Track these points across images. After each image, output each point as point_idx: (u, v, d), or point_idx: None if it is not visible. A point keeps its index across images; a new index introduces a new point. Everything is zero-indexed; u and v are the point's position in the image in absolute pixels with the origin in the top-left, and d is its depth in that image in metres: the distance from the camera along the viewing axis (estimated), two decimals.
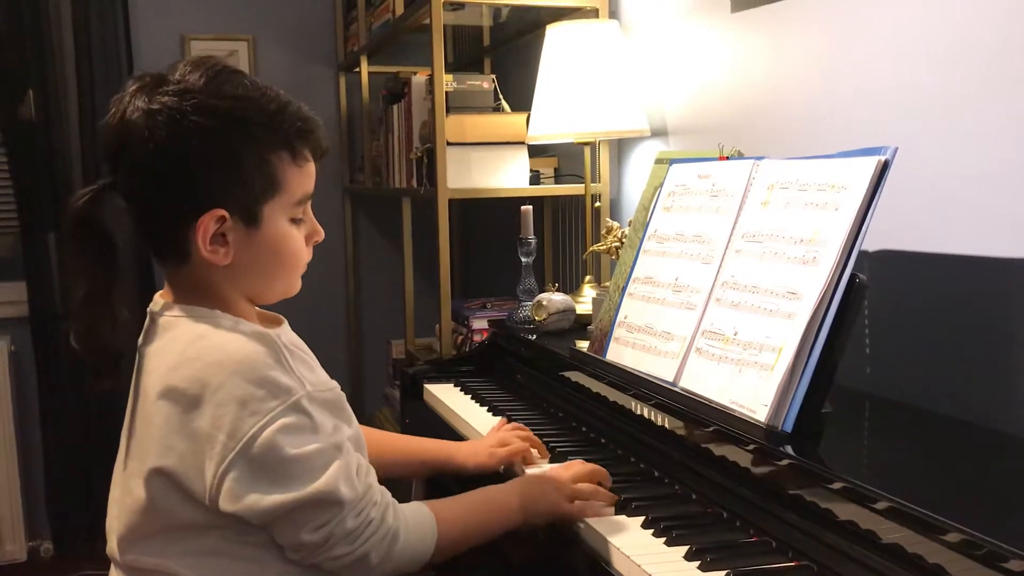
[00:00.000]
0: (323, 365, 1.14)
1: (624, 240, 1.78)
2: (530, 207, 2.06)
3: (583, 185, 2.19)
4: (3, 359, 3.06)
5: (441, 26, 2.18)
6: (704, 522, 1.13)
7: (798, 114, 1.64)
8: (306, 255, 1.12)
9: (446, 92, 2.24)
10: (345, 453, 1.04)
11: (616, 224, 1.90)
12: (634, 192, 2.25)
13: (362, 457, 1.10)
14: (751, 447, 1.12)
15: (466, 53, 3.28)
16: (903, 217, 1.39)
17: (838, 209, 1.15)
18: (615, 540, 1.08)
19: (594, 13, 2.24)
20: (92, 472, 3.15)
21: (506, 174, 2.33)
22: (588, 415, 1.55)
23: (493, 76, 2.45)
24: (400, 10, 2.62)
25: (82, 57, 3.07)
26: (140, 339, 1.09)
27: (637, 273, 1.50)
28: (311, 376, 1.06)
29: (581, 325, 1.89)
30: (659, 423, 1.32)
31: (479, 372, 1.99)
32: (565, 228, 2.63)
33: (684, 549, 1.03)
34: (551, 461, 1.39)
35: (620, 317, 1.50)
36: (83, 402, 3.14)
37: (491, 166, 2.31)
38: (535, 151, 2.42)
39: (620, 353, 1.47)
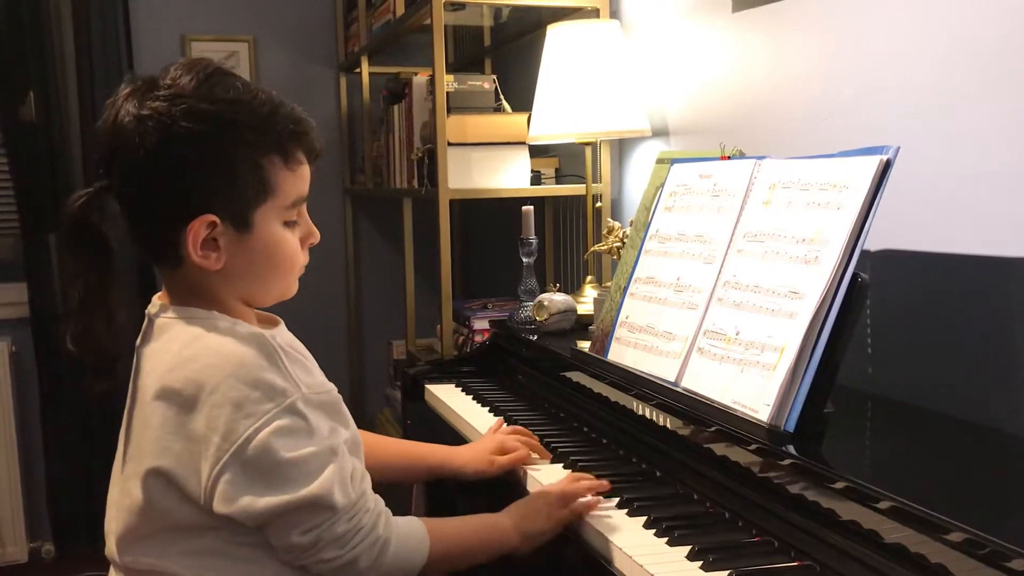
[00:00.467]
0: (324, 366, 1.14)
1: (625, 240, 1.78)
2: (531, 207, 2.05)
3: (584, 185, 2.18)
4: (4, 360, 3.06)
5: (442, 26, 2.18)
6: (706, 522, 1.13)
7: (799, 114, 1.64)
8: (301, 258, 1.12)
9: (447, 92, 2.24)
10: (340, 457, 1.04)
11: (617, 224, 1.90)
12: (635, 192, 2.25)
13: (358, 462, 1.10)
14: (753, 447, 1.11)
15: (467, 53, 3.28)
16: (905, 216, 1.39)
17: (840, 208, 1.14)
18: (617, 540, 1.08)
19: (595, 13, 2.24)
20: (93, 473, 3.15)
21: (507, 174, 2.33)
22: (590, 415, 1.55)
23: (494, 76, 2.45)
24: (401, 10, 2.62)
25: (82, 58, 3.08)
26: (138, 341, 1.09)
27: (639, 273, 1.50)
28: (307, 378, 1.06)
29: (582, 325, 1.89)
30: (661, 423, 1.32)
31: (480, 373, 1.99)
32: (566, 228, 2.63)
33: (686, 549, 1.03)
34: (553, 462, 1.39)
35: (621, 317, 1.50)
36: (84, 403, 3.14)
37: (492, 166, 2.31)
38: (536, 151, 2.42)
39: (622, 353, 1.47)
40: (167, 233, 1.04)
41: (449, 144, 2.21)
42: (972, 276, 1.30)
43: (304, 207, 1.12)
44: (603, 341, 1.53)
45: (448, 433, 1.72)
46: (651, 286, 1.45)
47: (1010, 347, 1.24)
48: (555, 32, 2.07)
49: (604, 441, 1.46)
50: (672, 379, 1.32)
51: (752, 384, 1.17)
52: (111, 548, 1.08)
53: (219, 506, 0.98)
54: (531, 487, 1.32)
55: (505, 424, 1.60)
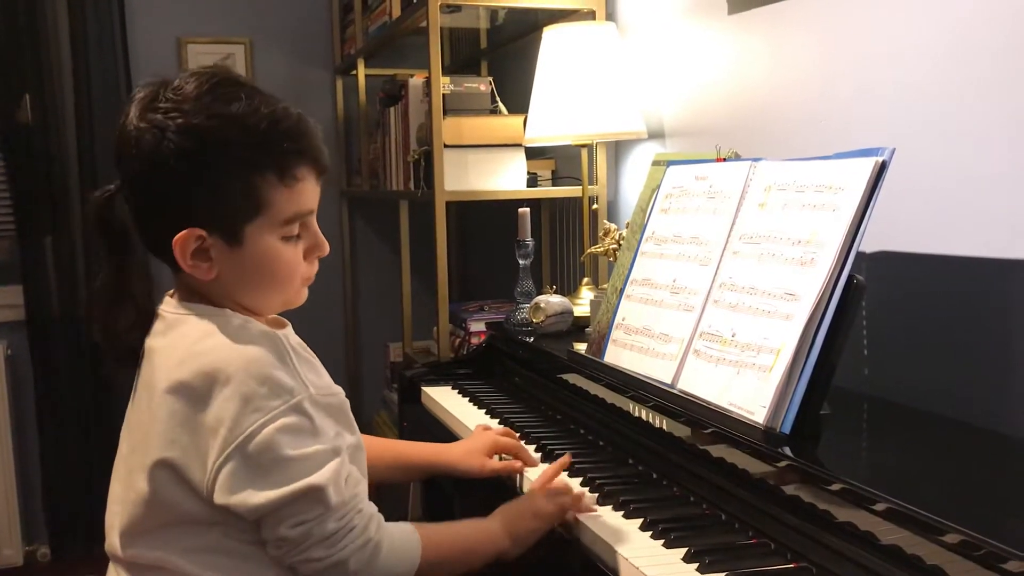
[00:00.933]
0: None
1: (622, 242, 1.78)
2: (527, 209, 2.05)
3: (580, 187, 2.18)
4: (0, 363, 3.05)
5: (438, 28, 2.18)
6: (703, 524, 1.13)
7: (795, 116, 1.64)
8: (303, 270, 1.11)
9: (443, 94, 2.24)
10: (342, 457, 1.05)
11: (613, 226, 1.90)
12: (631, 194, 2.25)
13: (356, 468, 1.10)
14: (749, 449, 1.11)
15: (463, 55, 3.28)
16: (901, 218, 1.39)
17: (836, 210, 1.14)
18: (614, 543, 1.08)
19: (591, 15, 2.24)
20: (89, 476, 3.14)
21: (503, 176, 2.33)
22: (586, 417, 1.55)
23: (490, 78, 2.45)
24: (397, 12, 2.62)
25: (79, 61, 3.07)
26: (148, 334, 1.10)
27: (635, 275, 1.50)
28: (315, 379, 1.07)
29: (579, 327, 1.89)
30: (657, 425, 1.32)
31: (477, 375, 1.99)
32: (562, 230, 2.63)
33: (683, 551, 1.03)
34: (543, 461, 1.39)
35: (618, 319, 1.50)
36: (80, 406, 3.13)
37: (488, 168, 2.31)
38: (532, 153, 2.42)
39: (618, 355, 1.47)
40: (163, 240, 1.05)
41: (445, 146, 2.21)
42: (968, 277, 1.30)
43: (312, 220, 1.11)
44: (599, 343, 1.53)
45: (444, 435, 1.72)
46: (647, 288, 1.45)
47: (1006, 348, 1.25)
48: (551, 34, 2.07)
49: (601, 443, 1.46)
50: (668, 381, 1.32)
51: (748, 386, 1.17)
52: (112, 543, 1.08)
53: (219, 496, 0.99)
54: (526, 487, 1.32)
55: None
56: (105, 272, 1.09)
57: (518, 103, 2.45)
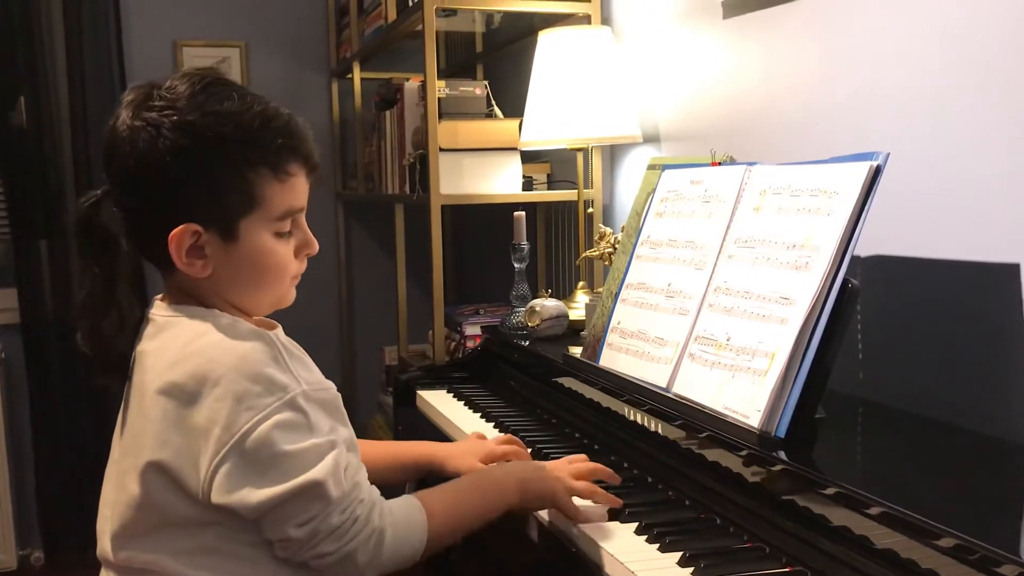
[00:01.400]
0: None
1: (617, 246, 1.79)
2: (523, 213, 2.06)
3: (576, 191, 2.19)
4: None
5: (433, 32, 2.18)
6: (697, 528, 1.13)
7: (790, 120, 1.64)
8: (294, 268, 1.12)
9: (439, 98, 2.24)
10: (338, 451, 1.04)
11: (609, 230, 1.90)
12: (627, 198, 2.25)
13: (353, 457, 1.10)
14: (744, 453, 1.12)
15: (459, 59, 3.28)
16: (895, 222, 1.39)
17: (830, 214, 1.15)
18: (608, 546, 1.08)
19: (586, 19, 2.25)
20: (83, 480, 3.13)
21: (499, 180, 2.33)
22: (581, 421, 1.54)
23: (486, 82, 2.45)
24: (393, 16, 2.62)
25: (73, 63, 3.07)
26: (138, 339, 1.10)
27: (630, 279, 1.50)
28: (308, 375, 1.07)
29: (574, 331, 1.89)
30: (652, 429, 1.32)
31: (472, 378, 1.98)
32: (558, 234, 2.63)
33: (677, 555, 1.03)
34: None
35: (613, 323, 1.50)
36: (74, 410, 3.13)
37: (484, 172, 2.31)
38: (528, 157, 2.42)
39: (613, 359, 1.47)
40: (157, 239, 1.05)
41: (441, 150, 2.21)
42: (962, 282, 1.30)
43: (301, 218, 1.12)
44: (595, 347, 1.53)
45: (439, 439, 1.72)
46: (642, 292, 1.45)
47: (1000, 352, 1.25)
48: (547, 38, 2.08)
49: (596, 447, 1.46)
50: (663, 385, 1.32)
51: (743, 390, 1.17)
52: (104, 547, 1.08)
53: (217, 496, 0.99)
54: None
55: (498, 431, 1.60)
56: (91, 280, 1.09)
57: (514, 107, 2.45)
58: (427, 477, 1.41)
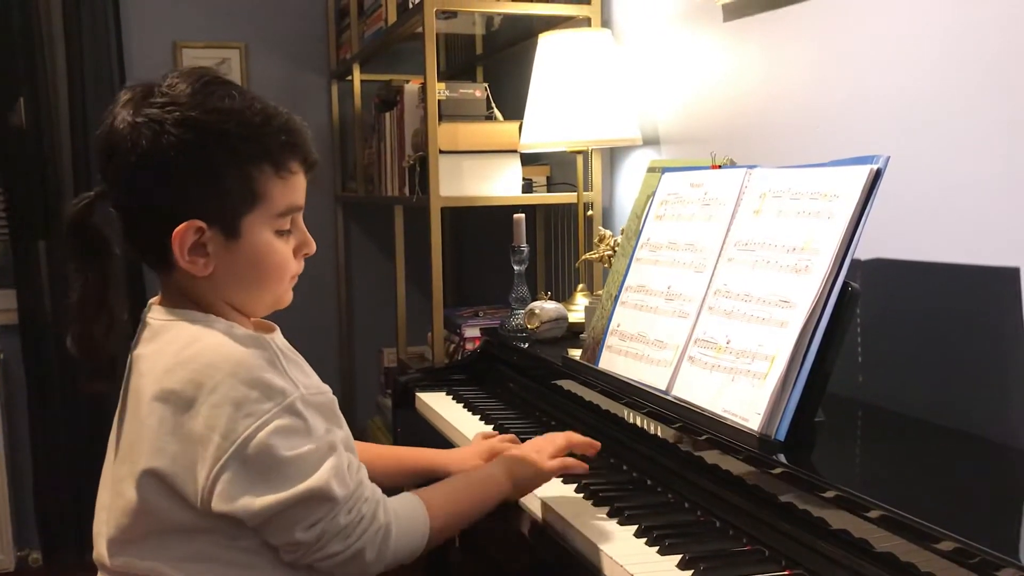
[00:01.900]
0: (315, 373, 1.14)
1: (616, 248, 1.79)
2: (522, 215, 2.06)
3: (575, 193, 2.19)
4: None
5: (433, 34, 2.19)
6: (697, 531, 1.13)
7: (790, 123, 1.64)
8: (294, 267, 1.12)
9: (438, 100, 2.24)
10: (337, 452, 1.04)
11: (608, 232, 1.90)
12: (626, 200, 2.25)
13: (353, 456, 1.10)
14: (744, 456, 1.11)
15: (458, 61, 3.28)
16: (895, 226, 1.39)
17: (830, 218, 1.15)
18: (608, 549, 1.08)
19: (586, 22, 2.25)
20: (81, 481, 3.13)
21: (498, 182, 2.33)
22: (581, 423, 1.54)
23: (485, 84, 2.45)
24: (393, 18, 2.62)
25: (73, 64, 3.07)
26: (133, 343, 1.10)
27: (630, 281, 1.50)
28: (304, 379, 1.06)
29: (573, 333, 1.89)
30: (652, 431, 1.32)
31: (471, 381, 1.98)
32: (557, 236, 2.63)
33: (677, 558, 1.03)
34: None
35: (613, 325, 1.50)
36: (73, 410, 3.12)
37: (483, 174, 2.31)
38: (527, 159, 2.42)
39: (613, 361, 1.47)
40: (158, 238, 1.05)
41: (440, 152, 2.21)
42: (962, 285, 1.30)
43: (299, 217, 1.12)
44: (594, 349, 1.53)
45: (438, 441, 1.72)
46: (642, 294, 1.45)
47: (1000, 356, 1.25)
48: (547, 41, 2.08)
49: None
50: (663, 387, 1.32)
51: (743, 393, 1.17)
52: (100, 551, 1.07)
53: (218, 504, 0.99)
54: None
55: (498, 433, 1.60)
56: (82, 283, 1.08)
57: (513, 109, 2.45)
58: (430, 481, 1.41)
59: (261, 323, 1.16)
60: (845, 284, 1.12)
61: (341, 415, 1.12)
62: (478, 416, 1.71)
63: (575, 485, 1.29)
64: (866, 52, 1.46)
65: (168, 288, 1.10)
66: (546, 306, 1.89)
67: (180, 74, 1.07)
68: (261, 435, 0.98)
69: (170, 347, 1.04)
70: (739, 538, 1.09)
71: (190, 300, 1.08)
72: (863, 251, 1.43)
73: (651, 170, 1.64)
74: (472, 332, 2.35)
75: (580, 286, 2.13)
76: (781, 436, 1.11)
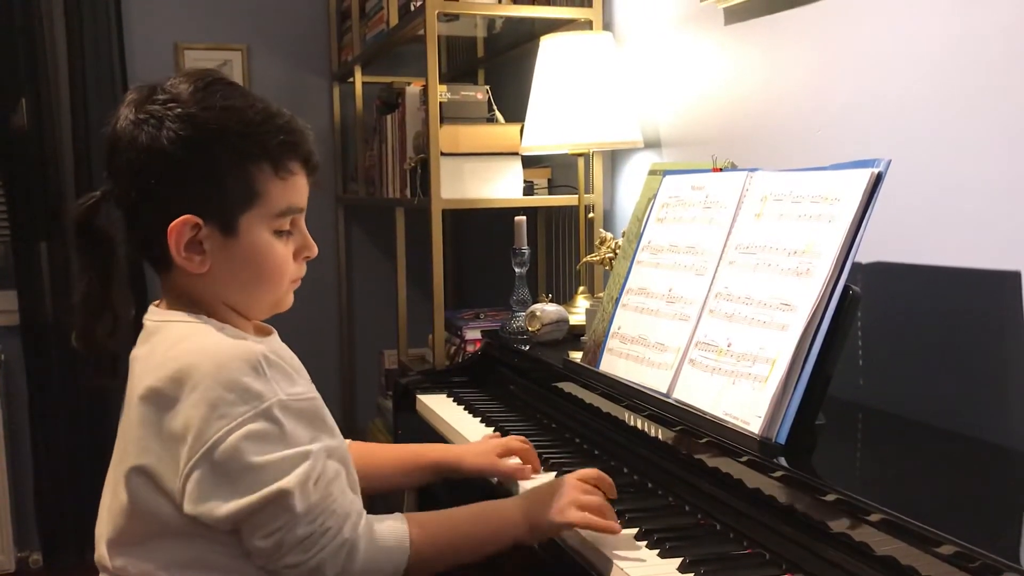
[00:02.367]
0: (314, 375, 1.13)
1: (618, 251, 1.79)
2: (524, 218, 2.06)
3: (577, 196, 2.19)
4: None
5: (435, 37, 2.19)
6: (698, 534, 1.13)
7: (792, 126, 1.64)
8: (293, 269, 1.12)
9: (440, 102, 2.24)
10: (311, 462, 1.01)
11: (610, 235, 1.90)
12: (628, 203, 2.25)
13: (336, 465, 1.07)
14: (745, 459, 1.11)
15: (460, 64, 3.28)
16: (896, 229, 1.39)
17: (831, 221, 1.15)
18: (608, 552, 1.07)
19: (588, 25, 2.25)
20: (81, 482, 3.13)
21: (500, 184, 2.33)
22: (581, 426, 1.54)
23: (487, 87, 2.45)
24: (394, 21, 2.63)
25: (75, 66, 3.07)
26: (135, 346, 1.10)
27: (631, 284, 1.50)
28: (288, 386, 1.04)
29: (574, 336, 1.89)
30: (653, 434, 1.31)
31: (472, 383, 1.98)
32: (558, 239, 2.63)
33: (678, 561, 1.03)
34: (545, 472, 1.38)
35: (613, 328, 1.50)
36: (73, 412, 3.12)
37: (485, 176, 2.31)
38: (528, 162, 2.42)
39: (613, 364, 1.47)
40: (157, 235, 1.05)
41: (442, 154, 2.21)
42: (963, 288, 1.30)
43: (301, 219, 1.12)
44: (595, 352, 1.53)
45: (439, 443, 1.72)
46: (643, 297, 1.45)
47: (1001, 359, 1.25)
48: (548, 43, 2.08)
49: (596, 452, 1.46)
50: (664, 390, 1.32)
51: (744, 396, 1.17)
52: (101, 554, 1.07)
53: (188, 506, 0.98)
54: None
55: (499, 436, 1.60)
56: (86, 281, 1.09)
57: (515, 112, 2.45)
58: (429, 486, 1.40)
59: (259, 326, 1.16)
60: (846, 287, 1.12)
61: (331, 421, 1.10)
62: (479, 418, 1.71)
63: None
64: (867, 55, 1.46)
65: (168, 289, 1.11)
66: (547, 308, 1.89)
67: (184, 74, 1.08)
68: (232, 438, 0.97)
69: (160, 347, 1.05)
70: (740, 541, 1.09)
71: (189, 301, 1.09)
72: (864, 254, 1.43)
73: (652, 173, 1.64)
74: (473, 334, 2.35)
75: (581, 289, 2.13)
76: (782, 439, 1.11)
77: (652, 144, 2.11)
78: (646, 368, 1.38)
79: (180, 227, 1.04)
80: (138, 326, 1.11)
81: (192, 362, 1.00)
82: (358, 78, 3.22)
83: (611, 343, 1.49)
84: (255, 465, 0.98)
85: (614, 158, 2.33)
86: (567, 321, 1.90)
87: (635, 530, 1.12)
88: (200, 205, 1.04)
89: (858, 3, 1.48)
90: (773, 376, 1.13)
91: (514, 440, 1.40)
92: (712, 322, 1.28)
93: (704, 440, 1.19)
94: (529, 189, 2.40)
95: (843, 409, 1.35)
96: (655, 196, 1.54)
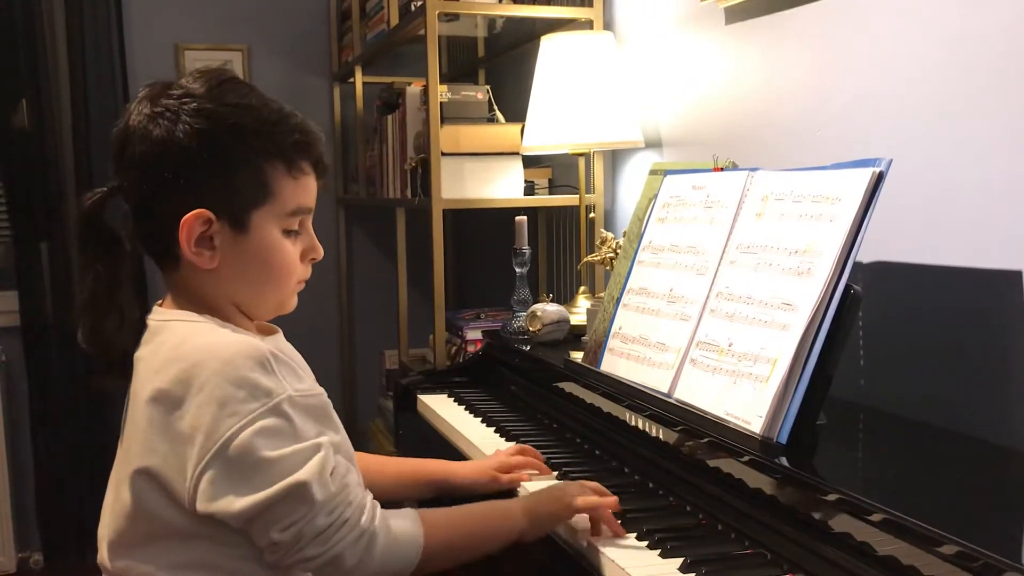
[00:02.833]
0: (316, 375, 1.13)
1: (618, 251, 1.79)
2: (524, 218, 2.06)
3: (577, 196, 2.19)
4: None
5: (436, 37, 2.19)
6: (699, 534, 1.13)
7: (792, 126, 1.64)
8: (299, 270, 1.12)
9: (441, 103, 2.24)
10: (323, 454, 1.02)
11: (610, 235, 1.90)
12: (628, 203, 2.25)
13: (343, 459, 1.07)
14: (746, 458, 1.11)
15: (461, 64, 3.29)
16: (897, 228, 1.39)
17: (833, 221, 1.15)
18: (609, 552, 1.07)
19: (588, 25, 2.25)
20: (82, 483, 3.13)
21: (500, 184, 2.33)
22: (582, 426, 1.54)
23: (487, 87, 2.45)
24: (395, 21, 2.63)
25: (75, 66, 3.07)
26: (138, 346, 1.10)
27: (631, 284, 1.50)
28: (296, 382, 1.05)
29: (575, 336, 1.89)
30: (654, 434, 1.31)
31: (473, 383, 1.98)
32: (559, 239, 2.63)
33: (679, 561, 1.03)
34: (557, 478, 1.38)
35: (614, 328, 1.50)
36: (74, 412, 3.13)
37: (485, 176, 2.31)
38: (529, 162, 2.42)
39: (614, 364, 1.47)
40: (166, 230, 1.05)
41: (443, 154, 2.21)
42: (964, 288, 1.30)
43: (308, 221, 1.13)
44: (596, 352, 1.53)
45: (440, 444, 1.72)
46: (644, 297, 1.45)
47: (1002, 358, 1.25)
48: (549, 43, 2.08)
49: (597, 452, 1.46)
50: (665, 390, 1.32)
51: (745, 395, 1.17)
52: (103, 555, 1.07)
53: (201, 504, 0.98)
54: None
55: (499, 435, 1.60)
56: (93, 279, 1.08)
57: (515, 112, 2.45)
58: (441, 495, 1.40)
59: (264, 326, 1.16)
60: (847, 287, 1.12)
61: (336, 419, 1.11)
62: (479, 419, 1.71)
63: None
64: (868, 55, 1.46)
65: (173, 288, 1.11)
66: (548, 308, 1.89)
67: (198, 72, 1.08)
68: (244, 435, 0.97)
69: (164, 347, 1.04)
70: (741, 541, 1.09)
71: (194, 299, 1.08)
72: (865, 254, 1.43)
73: (653, 172, 1.64)
74: (474, 334, 2.35)
75: (582, 288, 2.12)
76: (783, 439, 1.11)
77: (653, 144, 2.11)
78: (647, 368, 1.38)
79: (192, 221, 1.04)
80: (142, 326, 1.11)
81: (198, 361, 1.00)
82: (358, 78, 3.22)
83: (612, 343, 1.49)
84: (269, 459, 0.98)
85: (615, 158, 2.33)
86: (568, 321, 1.90)
87: (636, 530, 1.12)
88: (212, 200, 1.04)
89: (859, 2, 1.48)
90: (774, 376, 1.13)
91: (512, 459, 1.39)
92: (713, 322, 1.28)
93: (705, 440, 1.19)
94: (530, 189, 2.40)
95: (844, 409, 1.35)
96: (656, 196, 1.54)
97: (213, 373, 0.99)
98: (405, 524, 1.07)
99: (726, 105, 1.83)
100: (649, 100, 2.11)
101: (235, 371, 0.99)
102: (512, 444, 1.50)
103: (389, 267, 3.31)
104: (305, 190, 1.10)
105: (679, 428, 1.25)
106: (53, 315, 3.10)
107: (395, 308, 3.01)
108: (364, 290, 3.56)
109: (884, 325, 1.41)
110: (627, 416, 1.39)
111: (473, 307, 2.69)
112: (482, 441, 1.57)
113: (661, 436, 1.30)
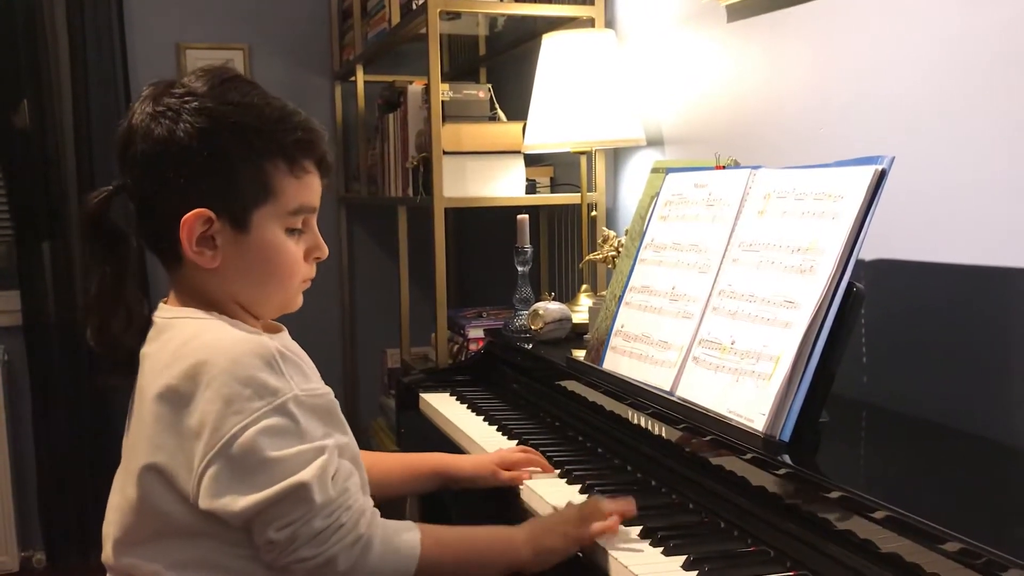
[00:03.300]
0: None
1: (620, 249, 1.79)
2: (526, 216, 2.06)
3: (579, 194, 2.19)
4: None
5: (437, 35, 2.19)
6: (702, 532, 1.13)
7: (794, 123, 1.64)
8: (303, 269, 1.12)
9: (442, 101, 2.24)
10: (326, 456, 1.02)
11: (612, 233, 1.90)
12: (630, 201, 2.25)
13: (348, 464, 1.07)
14: (749, 456, 1.11)
15: (462, 62, 3.29)
16: (900, 226, 1.39)
17: (835, 218, 1.15)
18: (612, 550, 1.07)
19: (590, 23, 2.25)
20: (85, 482, 3.13)
21: (502, 183, 2.33)
22: (585, 424, 1.54)
23: (489, 85, 2.45)
24: (396, 19, 2.63)
25: (77, 66, 3.07)
26: (143, 343, 1.10)
27: (634, 282, 1.50)
28: (302, 382, 1.05)
29: (577, 334, 1.89)
30: (656, 432, 1.31)
31: (475, 381, 1.98)
32: (561, 237, 2.63)
33: (682, 559, 1.03)
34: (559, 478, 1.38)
35: (617, 326, 1.50)
36: (76, 411, 3.13)
37: (487, 175, 2.31)
38: (531, 160, 2.42)
39: (617, 362, 1.46)
40: (168, 229, 1.05)
41: (444, 153, 2.21)
42: (966, 285, 1.30)
43: (313, 220, 1.13)
44: (598, 350, 1.53)
45: (442, 442, 1.72)
46: (646, 295, 1.45)
47: (1005, 356, 1.25)
48: (550, 41, 2.08)
49: (599, 450, 1.46)
50: (667, 388, 1.32)
51: (747, 393, 1.17)
52: (107, 553, 1.07)
53: (203, 501, 0.98)
54: (527, 498, 1.32)
55: (502, 434, 1.60)
56: (98, 279, 1.09)
57: (517, 110, 2.45)
58: (443, 489, 1.40)
59: (269, 325, 1.16)
60: (850, 284, 1.12)
61: (343, 419, 1.11)
62: (482, 417, 1.71)
63: (579, 487, 1.29)
64: (870, 52, 1.46)
65: (178, 286, 1.11)
66: (550, 307, 1.89)
67: (202, 70, 1.08)
68: (248, 433, 0.97)
69: (170, 344, 1.05)
70: (744, 539, 1.09)
71: (199, 298, 1.09)
72: (868, 251, 1.43)
73: (655, 171, 1.64)
74: (476, 333, 2.35)
75: (584, 287, 2.12)
76: (786, 437, 1.11)
77: (655, 142, 2.10)
78: (649, 366, 1.38)
79: (192, 220, 1.04)
80: (147, 323, 1.11)
81: (206, 358, 1.00)
82: (360, 77, 3.22)
83: (614, 341, 1.49)
84: (272, 459, 0.98)
85: (616, 156, 2.33)
86: (570, 319, 1.90)
87: (639, 528, 1.12)
88: (213, 199, 1.04)
89: (860, 1, 1.48)
90: (777, 373, 1.13)
91: (512, 455, 1.39)
92: (716, 320, 1.28)
93: (708, 438, 1.19)
94: (532, 187, 2.40)
95: (847, 407, 1.35)
96: (658, 194, 1.54)
97: (221, 371, 0.99)
98: (404, 536, 1.07)
99: (728, 103, 1.83)
100: (651, 98, 2.11)
101: (243, 369, 0.99)
102: (515, 444, 1.50)
103: (391, 266, 3.31)
104: (308, 189, 1.10)
105: (682, 426, 1.25)
106: (55, 314, 3.10)
107: (397, 307, 3.01)
108: (366, 289, 3.56)
109: (886, 322, 1.41)
110: (629, 414, 1.39)
111: (475, 305, 2.69)
112: (484, 439, 1.57)
113: (663, 434, 1.30)
